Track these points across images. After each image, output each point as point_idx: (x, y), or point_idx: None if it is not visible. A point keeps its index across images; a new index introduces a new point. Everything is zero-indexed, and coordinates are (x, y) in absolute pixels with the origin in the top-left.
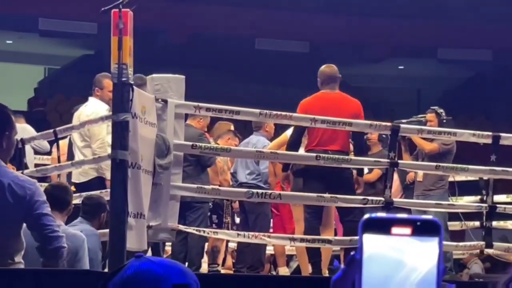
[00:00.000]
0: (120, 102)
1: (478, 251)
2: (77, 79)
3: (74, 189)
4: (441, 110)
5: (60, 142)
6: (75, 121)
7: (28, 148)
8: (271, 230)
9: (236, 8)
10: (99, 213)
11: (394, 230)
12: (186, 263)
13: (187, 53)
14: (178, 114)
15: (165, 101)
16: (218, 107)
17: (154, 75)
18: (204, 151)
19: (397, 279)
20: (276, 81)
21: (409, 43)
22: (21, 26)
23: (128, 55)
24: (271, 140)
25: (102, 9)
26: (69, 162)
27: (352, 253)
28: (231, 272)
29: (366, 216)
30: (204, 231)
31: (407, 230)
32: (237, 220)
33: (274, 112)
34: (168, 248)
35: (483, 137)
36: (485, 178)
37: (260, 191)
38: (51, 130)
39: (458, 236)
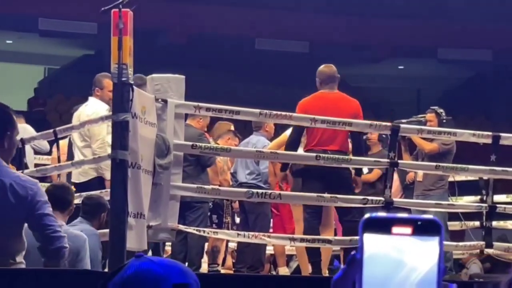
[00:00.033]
0: (120, 102)
1: (478, 251)
2: (77, 79)
3: (74, 189)
4: (441, 110)
5: (60, 142)
6: (75, 121)
7: (28, 148)
8: (271, 230)
9: (236, 8)
10: (99, 213)
11: (395, 229)
12: (186, 263)
13: (187, 53)
14: (178, 114)
15: (165, 101)
16: (218, 107)
17: (154, 75)
18: (204, 151)
19: (397, 278)
20: (276, 81)
21: (409, 43)
22: (21, 26)
23: (128, 55)
24: (271, 140)
25: (102, 9)
26: (69, 162)
27: (352, 252)
28: (231, 272)
29: (367, 215)
30: (204, 231)
31: (408, 230)
32: (237, 220)
33: (274, 112)
34: (168, 248)
35: (483, 137)
36: (485, 178)
37: (260, 191)
38: (51, 130)
39: (458, 236)
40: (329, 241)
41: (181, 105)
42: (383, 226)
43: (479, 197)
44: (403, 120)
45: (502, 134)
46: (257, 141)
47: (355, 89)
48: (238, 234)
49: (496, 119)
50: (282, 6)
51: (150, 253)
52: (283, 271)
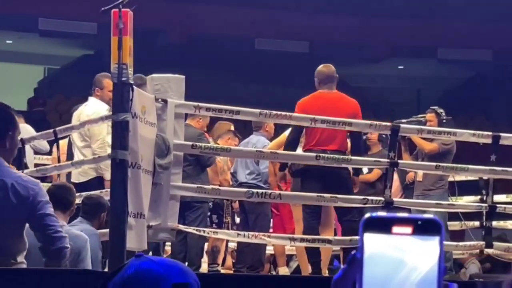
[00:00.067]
0: (120, 102)
1: (478, 251)
2: (77, 79)
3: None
4: (441, 110)
5: (60, 142)
6: (75, 120)
7: (28, 148)
8: (271, 230)
9: (236, 8)
10: (99, 213)
11: (395, 229)
12: (186, 263)
13: (187, 53)
14: (178, 114)
15: (165, 101)
16: (218, 107)
17: (154, 75)
18: (204, 151)
19: (398, 278)
20: (276, 81)
21: (409, 43)
22: (21, 26)
23: (128, 55)
24: (271, 140)
25: (102, 9)
26: (69, 162)
27: (352, 252)
28: (231, 272)
29: (367, 215)
30: (204, 231)
31: (408, 229)
32: (237, 220)
33: (274, 112)
34: (168, 248)
35: (483, 137)
36: (485, 178)
37: (260, 191)
38: (51, 130)
39: (458, 236)
40: (329, 241)
41: (181, 105)
42: (383, 226)
43: (479, 197)
44: (403, 120)
45: (502, 134)
46: (257, 141)
47: (355, 89)
48: (238, 234)
49: (496, 119)
50: (282, 6)
51: (150, 254)
52: (283, 271)
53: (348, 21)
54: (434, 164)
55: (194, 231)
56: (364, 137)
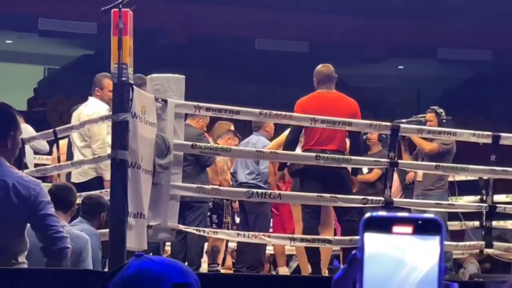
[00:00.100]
0: (120, 102)
1: (477, 251)
2: (77, 79)
3: None
4: (441, 110)
5: (60, 142)
6: (75, 120)
7: (28, 148)
8: (271, 230)
9: (236, 8)
10: (99, 213)
11: (395, 229)
12: (186, 263)
13: (187, 53)
14: (178, 114)
15: (165, 101)
16: (218, 107)
17: (154, 75)
18: (204, 150)
19: (398, 278)
20: (276, 81)
21: (409, 43)
22: (21, 26)
23: (128, 55)
24: (271, 140)
25: (102, 9)
26: (69, 162)
27: (353, 252)
28: (231, 272)
29: (367, 214)
30: (204, 231)
31: (409, 229)
32: (237, 220)
33: (274, 112)
34: (168, 248)
35: (483, 137)
36: (485, 178)
37: (260, 191)
38: (51, 130)
39: (458, 236)
40: (329, 241)
41: (181, 105)
42: (383, 225)
43: (479, 197)
44: (403, 120)
45: (502, 134)
46: (257, 141)
47: (355, 89)
48: (238, 234)
49: (496, 119)
50: (282, 6)
51: (150, 254)
52: (283, 271)
53: (348, 21)
54: (434, 164)
55: (194, 231)
56: (364, 137)
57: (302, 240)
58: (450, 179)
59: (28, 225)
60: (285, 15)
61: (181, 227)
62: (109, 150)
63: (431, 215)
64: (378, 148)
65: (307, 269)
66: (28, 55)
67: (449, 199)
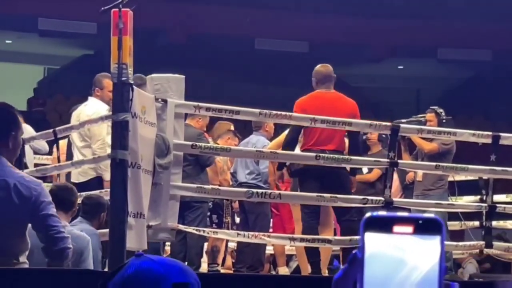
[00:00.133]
0: (120, 101)
1: (477, 251)
2: (76, 79)
3: None
4: (441, 110)
5: (60, 142)
6: (74, 120)
7: (27, 148)
8: (271, 230)
9: (236, 8)
10: (99, 212)
11: (396, 228)
12: (185, 263)
13: (187, 53)
14: (178, 114)
15: (165, 101)
16: (218, 107)
17: (154, 75)
18: (204, 150)
19: (398, 277)
20: (275, 81)
21: (409, 43)
22: (21, 26)
23: (128, 55)
24: (271, 140)
25: (102, 8)
26: (69, 162)
27: (353, 251)
28: (231, 272)
29: (368, 214)
30: (204, 231)
31: (409, 229)
32: (237, 220)
33: (274, 112)
34: (167, 248)
35: (482, 137)
36: (485, 177)
37: (260, 191)
38: (51, 130)
39: (458, 236)
40: (329, 241)
41: (181, 105)
42: (384, 225)
43: (479, 197)
44: (403, 120)
45: (502, 134)
46: (257, 141)
47: (355, 89)
48: (238, 234)
49: (496, 119)
50: (282, 6)
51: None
52: (283, 271)
53: (348, 21)
54: (434, 164)
55: (194, 231)
56: (364, 137)
57: (302, 240)
58: (450, 179)
59: (29, 225)
60: (285, 15)
61: (181, 227)
62: (109, 150)
63: (431, 215)
64: (378, 148)
65: (307, 269)
66: (28, 55)
67: (449, 199)
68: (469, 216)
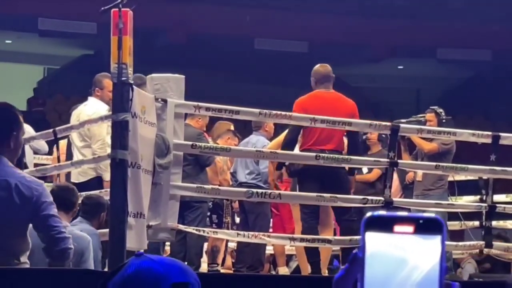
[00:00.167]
0: (120, 101)
1: (477, 250)
2: (76, 79)
3: None
4: (441, 110)
5: (60, 142)
6: (74, 120)
7: (27, 148)
8: (270, 230)
9: (236, 8)
10: (99, 212)
11: (397, 228)
12: (185, 263)
13: (187, 53)
14: (178, 114)
15: (165, 101)
16: (217, 106)
17: (154, 75)
18: (204, 150)
19: (399, 277)
20: (275, 81)
21: (409, 43)
22: (21, 26)
23: (128, 55)
24: (270, 139)
25: (102, 8)
26: (69, 162)
27: (354, 251)
28: (231, 272)
29: (369, 214)
30: (204, 231)
31: (410, 228)
32: (237, 220)
33: (274, 112)
34: (167, 248)
35: (482, 137)
36: (485, 177)
37: (260, 190)
38: (51, 130)
39: (458, 236)
40: (329, 241)
41: (180, 105)
42: (385, 225)
43: (478, 196)
44: (403, 120)
45: (502, 134)
46: (256, 141)
47: (355, 89)
48: (238, 234)
49: (496, 119)
50: (282, 6)
51: None
52: (283, 271)
53: (348, 21)
54: (434, 164)
55: (194, 231)
56: (364, 137)
57: (302, 240)
58: (450, 179)
59: (30, 225)
60: (284, 15)
61: (181, 227)
62: (109, 150)
63: (432, 215)
64: (378, 148)
65: (307, 269)
66: (27, 55)
67: (449, 199)
68: (469, 216)
